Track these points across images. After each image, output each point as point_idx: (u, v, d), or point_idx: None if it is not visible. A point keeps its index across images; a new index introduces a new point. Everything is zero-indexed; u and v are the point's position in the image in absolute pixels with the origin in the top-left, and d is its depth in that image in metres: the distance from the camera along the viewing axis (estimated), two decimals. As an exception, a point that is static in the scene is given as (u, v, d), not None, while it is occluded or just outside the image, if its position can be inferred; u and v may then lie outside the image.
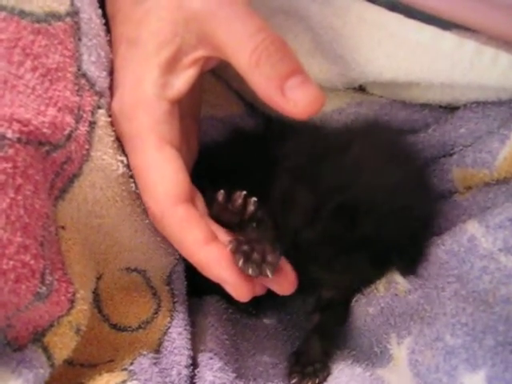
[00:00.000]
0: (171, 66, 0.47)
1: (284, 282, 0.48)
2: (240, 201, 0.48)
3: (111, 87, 0.48)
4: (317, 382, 0.49)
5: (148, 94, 0.46)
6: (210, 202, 0.50)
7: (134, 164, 0.47)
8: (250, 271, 0.44)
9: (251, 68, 0.44)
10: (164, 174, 0.46)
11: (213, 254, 0.45)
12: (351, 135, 0.51)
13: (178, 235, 0.46)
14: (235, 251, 0.45)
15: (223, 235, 0.48)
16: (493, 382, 0.37)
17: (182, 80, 0.48)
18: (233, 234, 0.48)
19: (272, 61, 0.43)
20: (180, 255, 0.55)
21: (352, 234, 0.48)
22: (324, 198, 0.48)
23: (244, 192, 0.49)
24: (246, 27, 0.44)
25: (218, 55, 0.46)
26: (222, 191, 0.49)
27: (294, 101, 0.43)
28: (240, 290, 0.45)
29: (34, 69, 0.41)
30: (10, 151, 0.38)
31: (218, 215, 0.49)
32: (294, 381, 0.50)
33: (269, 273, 0.45)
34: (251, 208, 0.48)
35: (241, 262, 0.44)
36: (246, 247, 0.45)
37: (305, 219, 0.49)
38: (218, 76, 0.62)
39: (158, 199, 0.46)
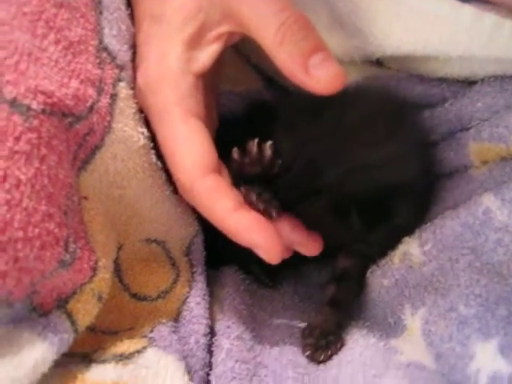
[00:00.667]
0: (195, 41, 0.48)
1: (312, 244, 0.50)
2: (255, 149, 0.49)
3: (133, 61, 0.49)
4: (329, 353, 0.50)
5: (173, 69, 0.47)
6: (228, 166, 0.50)
7: (161, 137, 0.48)
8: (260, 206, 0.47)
9: (275, 46, 0.44)
10: (191, 146, 0.47)
11: (243, 219, 0.46)
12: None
13: (207, 204, 0.47)
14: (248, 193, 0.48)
15: None
16: (505, 351, 0.38)
17: (206, 55, 0.48)
18: None
19: (295, 39, 0.44)
20: (199, 226, 0.56)
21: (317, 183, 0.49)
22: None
23: (256, 139, 0.49)
24: (270, 6, 0.45)
25: (242, 31, 0.47)
26: (235, 148, 0.50)
27: (317, 78, 0.44)
28: (271, 252, 0.46)
29: (57, 42, 0.42)
30: (35, 122, 0.39)
31: (239, 174, 0.50)
32: (307, 353, 0.51)
33: (273, 212, 0.48)
34: (268, 152, 0.49)
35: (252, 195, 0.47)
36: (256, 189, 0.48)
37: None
38: (237, 50, 0.62)
39: (187, 170, 0.47)
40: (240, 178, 0.50)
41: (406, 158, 0.52)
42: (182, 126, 0.47)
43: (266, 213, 0.48)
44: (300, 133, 0.50)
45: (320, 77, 0.44)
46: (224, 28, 0.48)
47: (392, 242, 0.53)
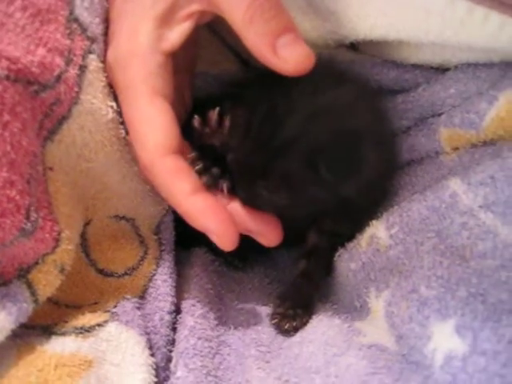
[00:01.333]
0: (166, 19, 0.48)
1: (270, 234, 0.50)
2: (215, 117, 0.49)
3: (105, 35, 0.49)
4: (294, 324, 0.50)
5: (143, 46, 0.47)
6: (191, 136, 0.50)
7: (126, 114, 0.48)
8: (205, 180, 0.48)
9: (245, 24, 0.44)
10: (155, 125, 0.47)
11: (198, 203, 0.46)
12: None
13: (166, 185, 0.47)
14: (194, 160, 0.48)
15: None
16: (460, 331, 0.38)
17: (177, 33, 0.48)
18: None
19: (265, 17, 0.44)
20: (169, 206, 0.56)
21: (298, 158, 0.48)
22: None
23: (217, 108, 0.49)
24: None
25: (213, 10, 0.47)
26: (196, 116, 0.50)
27: (285, 58, 0.44)
28: (224, 239, 0.46)
29: (24, 8, 0.42)
30: None
31: (201, 144, 0.50)
32: (274, 321, 0.51)
33: (225, 187, 0.49)
34: (227, 122, 0.49)
35: (198, 167, 0.48)
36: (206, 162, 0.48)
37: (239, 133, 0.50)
38: (214, 32, 0.62)
39: (148, 149, 0.47)
40: (199, 150, 0.50)
41: (360, 106, 0.52)
42: (146, 105, 0.47)
43: (209, 186, 0.48)
44: (259, 97, 0.49)
45: (288, 57, 0.44)
46: (195, 6, 0.47)
47: (360, 216, 0.54)
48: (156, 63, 0.47)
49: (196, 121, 0.50)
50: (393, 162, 0.57)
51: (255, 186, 0.49)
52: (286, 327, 0.50)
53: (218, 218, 0.46)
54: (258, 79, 0.50)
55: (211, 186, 0.48)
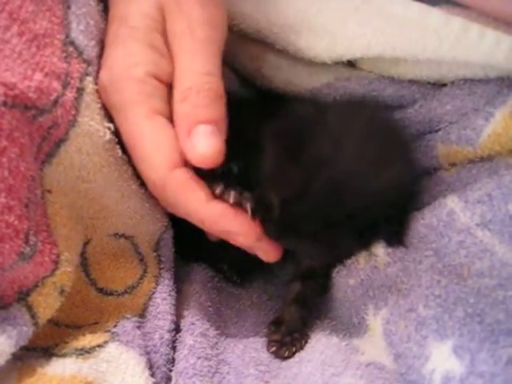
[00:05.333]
0: (160, 47, 0.49)
1: (270, 250, 0.51)
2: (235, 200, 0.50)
3: (101, 57, 0.49)
4: (294, 350, 0.50)
5: (138, 68, 0.48)
6: None
7: (126, 134, 0.48)
8: (232, 197, 0.48)
9: (178, 99, 0.47)
10: (159, 143, 0.47)
11: (217, 208, 0.48)
12: (333, 109, 0.51)
13: (181, 197, 0.48)
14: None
15: None
16: (458, 352, 0.38)
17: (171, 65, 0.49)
18: None
19: (198, 103, 0.47)
20: (168, 222, 0.57)
21: (339, 210, 0.49)
22: (311, 172, 0.48)
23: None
24: (199, 65, 0.48)
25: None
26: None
27: (194, 145, 0.46)
28: (249, 237, 0.48)
29: (21, 34, 0.42)
30: None
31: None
32: (272, 350, 0.51)
33: (248, 206, 0.49)
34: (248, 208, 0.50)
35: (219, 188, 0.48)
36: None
37: (293, 190, 0.49)
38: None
39: (157, 167, 0.48)
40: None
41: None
42: (147, 124, 0.47)
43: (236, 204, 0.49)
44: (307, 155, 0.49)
45: (197, 145, 0.46)
46: None
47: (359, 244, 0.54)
48: (152, 86, 0.48)
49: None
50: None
51: (298, 242, 0.51)
52: (285, 355, 0.50)
53: (240, 218, 0.48)
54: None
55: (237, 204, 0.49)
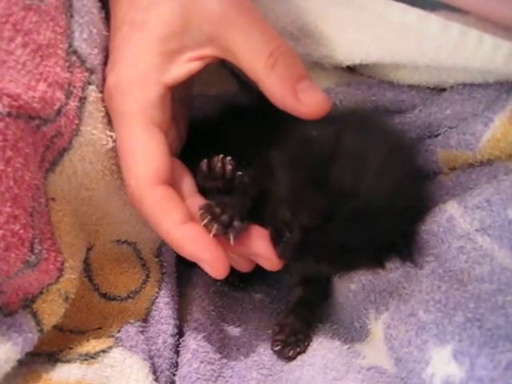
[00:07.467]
0: (174, 56, 0.48)
1: (273, 258, 0.50)
2: (219, 164, 0.50)
3: (104, 64, 0.49)
4: (298, 350, 0.51)
5: (146, 75, 0.48)
6: (196, 175, 0.51)
7: (119, 139, 0.48)
8: (214, 230, 0.46)
9: (267, 70, 0.47)
10: (148, 155, 0.47)
11: (189, 232, 0.46)
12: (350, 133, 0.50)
13: (155, 215, 0.47)
14: (204, 212, 0.47)
15: None
16: (458, 357, 0.39)
17: (183, 71, 0.49)
18: None
19: (287, 63, 0.47)
20: None
21: (359, 236, 0.49)
22: (335, 202, 0.48)
23: (221, 155, 0.51)
24: (263, 35, 0.47)
25: (226, 57, 0.48)
26: (205, 160, 0.51)
27: (306, 102, 0.46)
28: (216, 268, 0.46)
29: (25, 45, 0.42)
30: (0, 125, 0.39)
31: (205, 185, 0.51)
32: (276, 348, 0.51)
33: (231, 237, 0.47)
34: (229, 167, 0.50)
35: (206, 220, 0.46)
36: (216, 209, 0.47)
37: (316, 220, 0.49)
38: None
39: (139, 178, 0.47)
40: (204, 190, 0.51)
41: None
42: (141, 133, 0.47)
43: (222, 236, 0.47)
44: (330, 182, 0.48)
45: (309, 101, 0.46)
46: (208, 51, 0.49)
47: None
48: (156, 94, 0.48)
49: (204, 164, 0.51)
50: None
51: (315, 265, 0.51)
52: (289, 354, 0.51)
53: (210, 246, 0.46)
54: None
55: (220, 235, 0.47)
